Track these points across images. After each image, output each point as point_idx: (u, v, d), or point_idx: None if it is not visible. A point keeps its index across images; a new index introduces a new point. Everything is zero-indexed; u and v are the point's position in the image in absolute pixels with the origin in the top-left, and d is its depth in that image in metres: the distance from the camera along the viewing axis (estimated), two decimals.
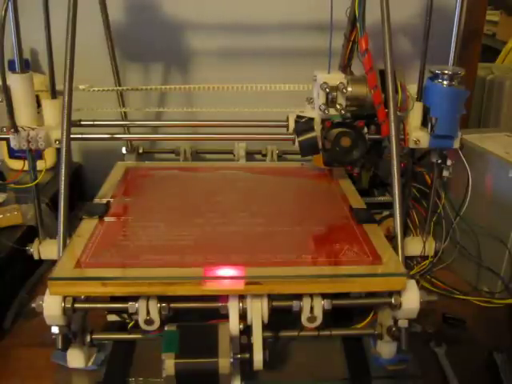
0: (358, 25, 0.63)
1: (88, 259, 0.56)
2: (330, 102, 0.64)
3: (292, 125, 0.67)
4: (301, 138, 0.65)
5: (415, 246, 0.72)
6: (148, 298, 0.52)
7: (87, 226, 0.63)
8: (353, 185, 0.77)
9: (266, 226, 0.64)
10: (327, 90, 0.63)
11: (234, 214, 0.67)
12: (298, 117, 0.66)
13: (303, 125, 0.65)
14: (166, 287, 0.52)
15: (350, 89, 0.64)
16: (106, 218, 0.65)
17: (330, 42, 0.65)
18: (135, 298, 0.53)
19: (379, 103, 0.61)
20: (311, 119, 0.65)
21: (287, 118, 0.68)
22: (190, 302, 0.54)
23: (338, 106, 0.63)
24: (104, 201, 0.69)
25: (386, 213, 0.78)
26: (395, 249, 0.57)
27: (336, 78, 0.64)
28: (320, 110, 0.64)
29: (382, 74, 0.61)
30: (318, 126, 0.66)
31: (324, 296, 0.53)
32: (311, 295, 0.53)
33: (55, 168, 0.83)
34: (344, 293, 0.56)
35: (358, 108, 0.66)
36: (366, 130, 0.67)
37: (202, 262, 0.55)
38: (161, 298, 0.53)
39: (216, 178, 0.79)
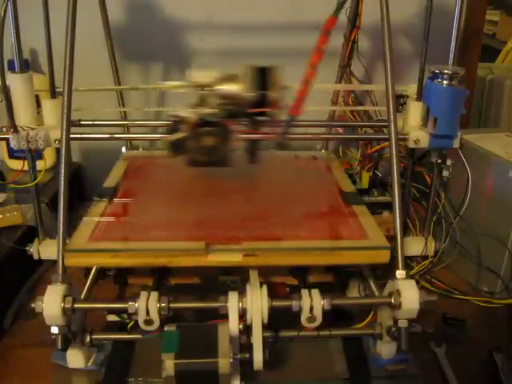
0: (337, 3, 0.62)
1: (100, 234, 0.61)
2: (202, 101, 0.62)
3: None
4: (169, 138, 0.62)
5: (415, 245, 0.72)
6: (148, 298, 0.52)
7: (98, 207, 0.68)
8: (344, 171, 0.81)
9: (262, 207, 0.69)
10: (198, 88, 0.61)
11: (233, 197, 0.71)
12: (171, 116, 0.63)
13: (173, 125, 0.63)
14: (170, 259, 0.57)
15: (222, 87, 0.62)
16: (115, 200, 0.70)
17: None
18: (135, 298, 0.53)
19: (306, 82, 0.59)
20: (184, 119, 0.63)
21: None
22: (190, 302, 0.55)
23: (210, 105, 0.62)
24: (113, 185, 0.73)
25: (386, 212, 0.78)
26: (395, 249, 0.57)
27: (208, 76, 0.62)
28: (191, 108, 0.62)
29: (260, 72, 0.60)
30: (187, 126, 0.63)
31: (324, 296, 0.53)
32: (311, 295, 0.53)
33: (55, 168, 0.83)
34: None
35: (234, 107, 0.63)
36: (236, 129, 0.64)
37: (204, 236, 0.60)
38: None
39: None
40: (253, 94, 0.60)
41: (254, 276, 0.59)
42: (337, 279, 0.68)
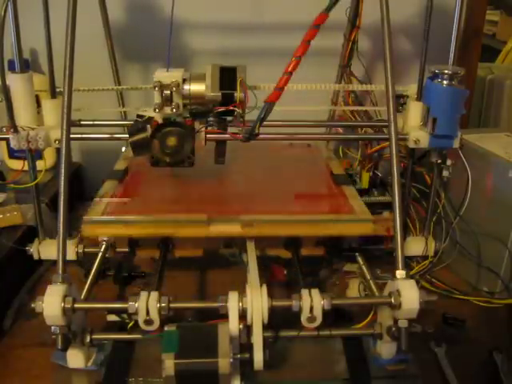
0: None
1: (112, 208, 0.68)
2: (166, 101, 0.62)
3: None
4: (132, 139, 0.62)
5: (415, 245, 0.72)
6: (148, 298, 0.52)
7: (110, 186, 0.74)
8: (334, 156, 0.87)
9: (259, 187, 0.76)
10: (160, 88, 0.61)
11: (232, 177, 0.79)
12: (138, 116, 0.63)
13: (137, 124, 0.62)
14: (176, 229, 0.64)
15: (186, 87, 0.62)
16: (125, 180, 0.77)
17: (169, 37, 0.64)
18: (135, 298, 0.53)
19: (288, 72, 0.58)
20: (150, 119, 0.63)
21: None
22: (189, 301, 0.55)
23: (174, 105, 0.61)
24: (122, 168, 0.79)
25: (386, 212, 0.78)
26: (395, 249, 0.57)
27: (172, 76, 0.62)
28: (154, 109, 0.62)
29: (224, 71, 0.61)
30: (150, 126, 0.63)
31: (323, 296, 0.53)
32: (311, 295, 0.53)
33: (55, 168, 0.83)
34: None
35: (199, 106, 0.63)
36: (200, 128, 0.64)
37: (206, 209, 0.66)
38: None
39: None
40: (217, 94, 0.60)
41: (250, 248, 0.64)
42: (327, 253, 0.71)
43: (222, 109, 0.61)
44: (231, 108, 0.60)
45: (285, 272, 0.71)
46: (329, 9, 0.59)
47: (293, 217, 0.66)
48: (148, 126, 0.62)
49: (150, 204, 0.70)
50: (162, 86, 0.61)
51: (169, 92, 0.61)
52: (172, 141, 0.62)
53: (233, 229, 0.65)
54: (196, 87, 0.62)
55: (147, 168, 0.76)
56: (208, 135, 0.63)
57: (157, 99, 0.62)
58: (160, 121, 0.62)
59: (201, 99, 0.62)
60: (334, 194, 0.73)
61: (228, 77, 0.61)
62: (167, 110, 0.62)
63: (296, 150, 0.90)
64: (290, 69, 0.58)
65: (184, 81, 0.62)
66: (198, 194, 0.72)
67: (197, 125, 0.63)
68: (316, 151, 0.90)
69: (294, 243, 0.70)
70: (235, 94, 0.60)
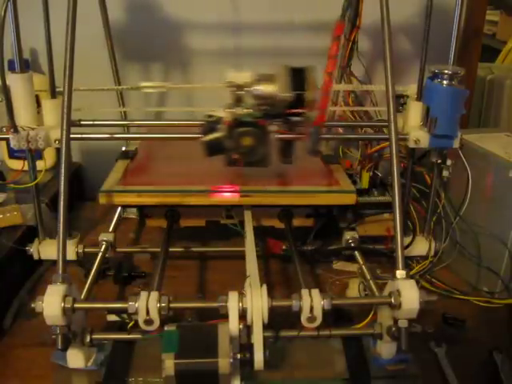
0: (343, 8, 0.62)
1: (126, 180, 0.74)
2: (238, 101, 0.63)
3: None
4: (205, 138, 0.63)
5: (415, 245, 0.72)
6: (148, 298, 0.52)
7: (122, 164, 0.80)
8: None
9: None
10: (233, 88, 0.62)
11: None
12: (208, 116, 0.64)
13: (209, 124, 0.64)
14: (182, 198, 0.70)
15: (258, 87, 0.62)
16: (135, 160, 0.83)
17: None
18: (135, 298, 0.53)
19: (327, 91, 0.60)
20: (220, 119, 0.64)
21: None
22: (189, 301, 0.55)
23: (246, 105, 0.62)
24: (133, 148, 0.85)
25: (386, 215, 0.78)
26: (395, 249, 0.57)
27: (244, 76, 0.63)
28: (227, 109, 0.63)
29: (296, 72, 0.61)
30: (224, 126, 0.64)
31: (324, 296, 0.53)
32: (311, 295, 0.53)
33: (55, 168, 0.83)
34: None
35: (269, 107, 0.64)
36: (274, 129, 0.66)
37: (209, 182, 0.73)
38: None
39: None
40: (289, 95, 0.60)
41: (248, 217, 0.71)
42: (316, 224, 0.78)
43: (295, 111, 0.61)
44: (303, 111, 0.61)
45: (283, 246, 0.74)
46: (343, 15, 0.60)
47: (285, 188, 0.73)
48: (220, 126, 0.63)
49: (159, 177, 0.76)
50: (234, 87, 0.62)
51: (240, 92, 0.62)
52: (248, 141, 0.63)
53: (231, 197, 0.71)
54: (267, 88, 0.62)
55: (154, 149, 0.88)
56: (277, 136, 0.66)
57: (229, 99, 0.63)
58: (231, 121, 0.63)
59: (271, 100, 0.63)
60: (323, 170, 0.80)
61: (298, 78, 0.61)
62: (238, 110, 0.63)
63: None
64: (325, 88, 0.60)
65: (255, 81, 0.62)
66: (201, 170, 0.77)
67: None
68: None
69: (287, 215, 0.77)
70: (306, 96, 0.61)
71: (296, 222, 0.77)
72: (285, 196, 0.72)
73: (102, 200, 0.69)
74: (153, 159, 0.86)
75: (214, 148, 0.64)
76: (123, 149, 0.86)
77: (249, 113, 0.63)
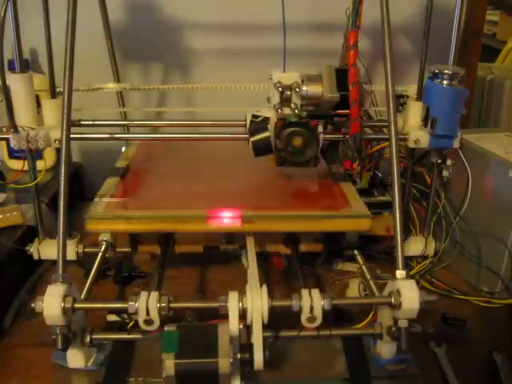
0: (350, 19, 0.63)
1: (114, 205, 0.68)
2: (285, 102, 0.62)
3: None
4: (253, 138, 0.63)
5: (415, 245, 0.72)
6: (148, 298, 0.52)
7: (112, 183, 0.74)
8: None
9: (260, 183, 0.77)
10: (281, 89, 0.62)
11: (233, 174, 0.79)
12: (254, 116, 0.64)
13: (257, 124, 0.64)
14: (177, 224, 0.64)
15: (304, 88, 0.63)
16: (127, 178, 0.77)
17: (284, 41, 0.65)
18: (135, 298, 0.53)
19: (355, 100, 0.60)
20: (266, 119, 0.64)
21: (245, 117, 0.67)
22: (189, 301, 0.55)
23: (293, 106, 0.62)
24: (124, 164, 0.79)
25: (385, 213, 0.78)
26: (395, 249, 0.57)
27: (291, 77, 0.63)
28: (274, 109, 0.63)
29: (340, 72, 0.61)
30: (271, 126, 0.65)
31: (324, 296, 0.53)
32: (311, 295, 0.53)
33: (55, 168, 0.83)
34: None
35: (315, 107, 0.64)
36: (321, 129, 0.66)
37: (207, 206, 0.66)
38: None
39: (218, 147, 0.86)
40: (335, 95, 0.60)
41: (250, 243, 0.65)
42: (325, 249, 0.73)
43: (343, 112, 0.62)
44: (349, 111, 0.62)
45: (284, 262, 0.72)
46: (354, 24, 0.60)
47: (291, 212, 0.67)
48: (267, 126, 0.63)
49: (151, 200, 0.70)
50: (281, 87, 0.62)
51: (288, 93, 0.62)
52: (298, 141, 0.63)
53: (232, 224, 0.65)
54: (313, 88, 0.63)
55: (148, 165, 0.81)
56: (325, 136, 0.65)
57: (276, 99, 0.63)
58: (279, 121, 0.63)
59: (317, 100, 0.63)
60: (332, 191, 0.73)
61: (342, 78, 0.61)
62: (285, 110, 0.63)
63: None
64: (354, 97, 0.60)
65: (301, 82, 0.62)
66: (198, 191, 0.73)
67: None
68: None
69: (293, 240, 0.71)
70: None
71: (303, 248, 0.72)
72: (291, 222, 0.66)
73: (89, 227, 0.65)
74: (145, 177, 0.79)
75: (262, 148, 0.64)
76: (116, 165, 0.80)
77: (296, 113, 0.63)
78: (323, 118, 0.65)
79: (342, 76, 0.61)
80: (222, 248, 0.73)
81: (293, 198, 0.72)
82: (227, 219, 0.65)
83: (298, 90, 0.62)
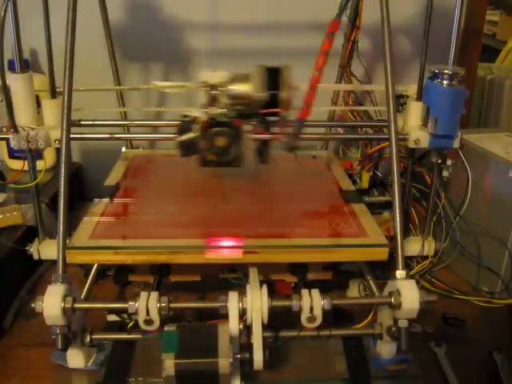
0: (339, 7, 0.62)
1: (101, 232, 0.62)
2: (212, 101, 0.62)
3: None
4: (180, 139, 0.62)
5: (415, 246, 0.72)
6: (148, 298, 0.52)
7: (99, 206, 0.69)
8: (343, 169, 0.83)
9: (262, 205, 0.70)
10: (207, 88, 0.61)
11: (233, 194, 0.73)
12: (183, 116, 0.63)
13: (184, 124, 0.62)
14: (171, 256, 0.59)
15: (232, 87, 0.62)
16: (116, 199, 0.71)
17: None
18: (135, 297, 0.53)
19: (314, 86, 0.58)
20: (194, 119, 0.63)
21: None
22: (190, 302, 0.55)
23: (221, 105, 0.61)
24: (113, 183, 0.74)
25: (386, 212, 0.78)
26: (395, 249, 0.57)
27: (218, 76, 0.62)
28: (202, 109, 0.62)
29: (271, 72, 0.60)
30: (198, 126, 0.63)
31: (324, 296, 0.53)
32: (311, 295, 0.53)
33: (55, 168, 0.83)
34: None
35: (244, 107, 0.63)
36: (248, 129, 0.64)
37: (204, 234, 0.61)
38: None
39: None
40: (264, 95, 0.60)
41: (253, 274, 0.59)
42: (336, 277, 0.69)
43: (269, 111, 0.61)
44: (278, 110, 0.60)
45: (291, 286, 0.68)
46: (339, 15, 0.59)
47: (298, 242, 0.61)
48: (194, 126, 0.62)
49: (143, 227, 0.64)
50: (208, 86, 0.61)
51: (215, 92, 0.61)
52: (221, 141, 0.61)
53: (233, 255, 0.60)
54: (242, 87, 0.62)
55: (139, 184, 0.76)
56: (253, 136, 0.63)
57: (203, 99, 0.62)
58: (206, 121, 0.62)
59: (247, 99, 0.62)
60: (344, 214, 0.67)
61: (273, 77, 0.60)
62: (213, 110, 0.62)
63: (301, 162, 0.85)
64: (313, 83, 0.58)
65: (229, 81, 0.62)
66: (194, 215, 0.67)
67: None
68: (322, 165, 0.86)
69: (301, 268, 0.66)
70: (281, 95, 0.60)
71: (311, 276, 0.67)
72: (298, 253, 0.60)
73: (71, 258, 0.58)
74: (136, 198, 0.72)
75: (188, 148, 0.62)
76: (105, 184, 0.75)
77: (223, 113, 0.62)
78: (253, 117, 0.63)
79: (272, 75, 0.61)
80: (221, 276, 0.69)
81: (300, 224, 0.65)
82: (227, 250, 0.60)
83: (224, 89, 0.61)
